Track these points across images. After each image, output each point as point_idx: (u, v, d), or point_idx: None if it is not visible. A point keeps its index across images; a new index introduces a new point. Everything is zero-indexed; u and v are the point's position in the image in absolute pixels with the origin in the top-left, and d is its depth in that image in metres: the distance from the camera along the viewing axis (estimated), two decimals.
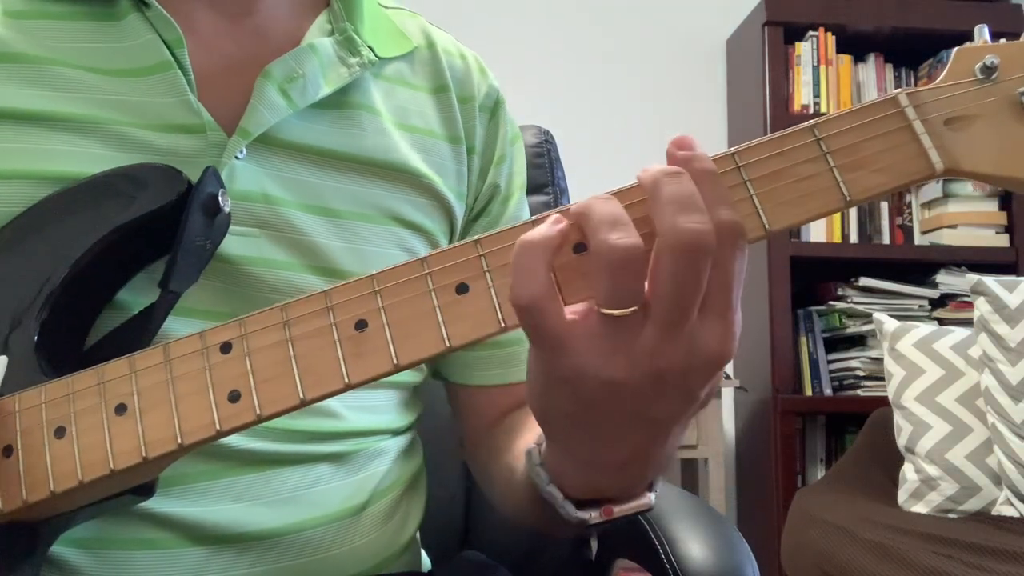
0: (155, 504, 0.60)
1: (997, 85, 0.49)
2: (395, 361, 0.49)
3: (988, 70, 0.49)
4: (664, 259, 0.45)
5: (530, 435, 0.67)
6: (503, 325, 0.48)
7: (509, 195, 0.82)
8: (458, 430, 0.86)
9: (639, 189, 0.48)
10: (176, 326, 0.62)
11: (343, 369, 0.49)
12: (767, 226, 0.48)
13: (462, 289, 0.49)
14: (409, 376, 0.77)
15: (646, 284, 0.45)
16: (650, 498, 0.55)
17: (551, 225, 0.47)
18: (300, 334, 0.50)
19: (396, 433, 0.77)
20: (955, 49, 0.51)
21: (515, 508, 0.69)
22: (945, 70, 0.51)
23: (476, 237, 0.50)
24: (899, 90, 0.50)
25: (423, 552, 0.83)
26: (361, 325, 0.50)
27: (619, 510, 0.54)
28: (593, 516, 0.54)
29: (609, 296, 0.45)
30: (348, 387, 0.49)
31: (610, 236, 0.45)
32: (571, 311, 0.47)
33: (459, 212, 0.78)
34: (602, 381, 0.46)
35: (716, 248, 0.45)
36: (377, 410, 0.74)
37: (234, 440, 0.64)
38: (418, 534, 0.81)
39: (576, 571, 1.07)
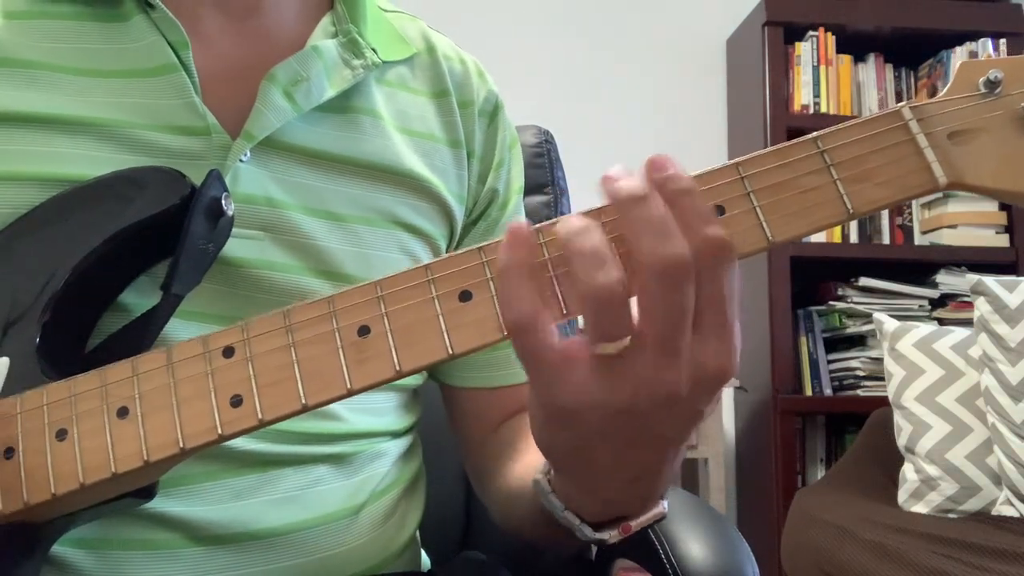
0: (155, 504, 0.60)
1: (1001, 99, 0.49)
2: (397, 368, 0.49)
3: (992, 84, 0.49)
4: (646, 287, 0.44)
5: (534, 454, 0.67)
6: (506, 333, 0.48)
7: (507, 199, 0.82)
8: (455, 436, 0.86)
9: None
10: (179, 329, 0.62)
11: (345, 375, 0.49)
12: (770, 237, 0.48)
13: (465, 296, 0.49)
14: (410, 379, 0.77)
15: (635, 312, 0.45)
16: (663, 506, 0.55)
17: (519, 245, 0.46)
18: (303, 339, 0.50)
19: (396, 435, 0.77)
20: (959, 63, 0.51)
21: (520, 524, 0.69)
22: (949, 84, 0.50)
23: (479, 245, 0.50)
24: (902, 104, 0.50)
25: (423, 552, 0.83)
26: (364, 331, 0.50)
27: (636, 524, 0.54)
28: (612, 536, 0.54)
29: (598, 333, 0.45)
30: (350, 393, 0.49)
31: (592, 275, 0.44)
32: (566, 343, 0.46)
33: (459, 215, 0.78)
34: (608, 412, 0.46)
35: (701, 267, 0.45)
36: (377, 412, 0.74)
37: (234, 441, 0.63)
38: (418, 534, 0.81)
39: (576, 571, 1.07)
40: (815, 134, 0.49)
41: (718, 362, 0.46)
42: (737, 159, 0.49)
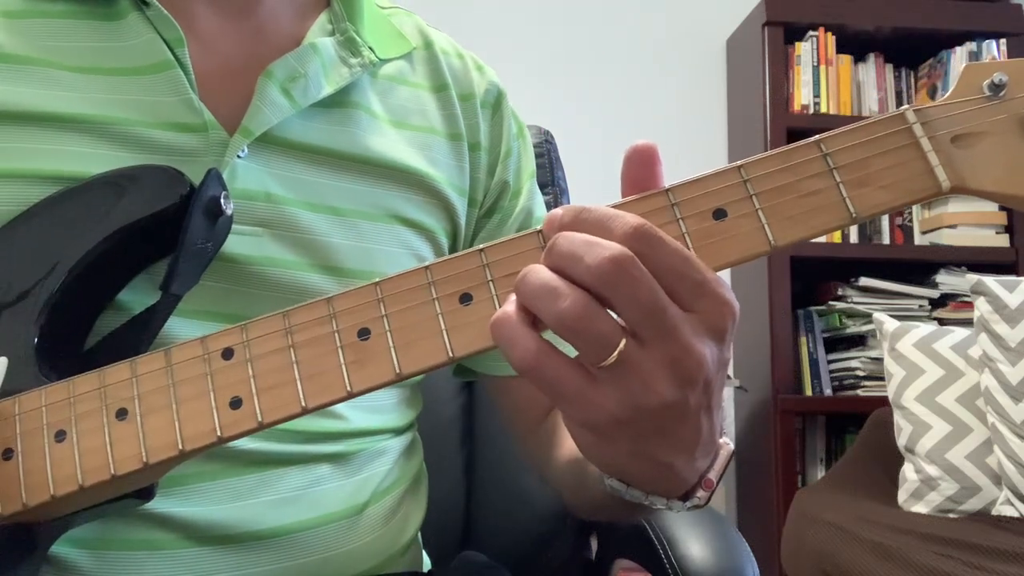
0: (155, 504, 0.60)
1: (1005, 103, 0.49)
2: (397, 370, 0.49)
3: (996, 87, 0.49)
4: (609, 293, 0.44)
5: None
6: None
7: (519, 190, 0.83)
8: (505, 424, 0.85)
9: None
10: (179, 327, 0.62)
11: (345, 377, 0.49)
12: (773, 241, 0.48)
13: (465, 299, 0.49)
14: None
15: (615, 317, 0.44)
16: (728, 445, 0.54)
17: (508, 304, 0.46)
18: (302, 341, 0.50)
19: (397, 433, 0.77)
20: (963, 66, 0.50)
21: (593, 506, 0.69)
22: (953, 86, 0.50)
23: (480, 247, 0.49)
24: (906, 107, 0.49)
25: (423, 552, 0.83)
26: (364, 333, 0.50)
27: (715, 473, 0.53)
28: (701, 496, 0.53)
29: (588, 354, 0.45)
30: (350, 395, 0.49)
31: (551, 307, 0.44)
32: (571, 371, 0.46)
33: (460, 208, 0.78)
34: (656, 407, 0.45)
35: (641, 254, 0.44)
36: (378, 410, 0.74)
37: (234, 441, 0.64)
38: (419, 534, 0.81)
39: (576, 571, 1.07)
40: (818, 137, 0.49)
41: (720, 312, 0.45)
42: (739, 161, 0.49)
